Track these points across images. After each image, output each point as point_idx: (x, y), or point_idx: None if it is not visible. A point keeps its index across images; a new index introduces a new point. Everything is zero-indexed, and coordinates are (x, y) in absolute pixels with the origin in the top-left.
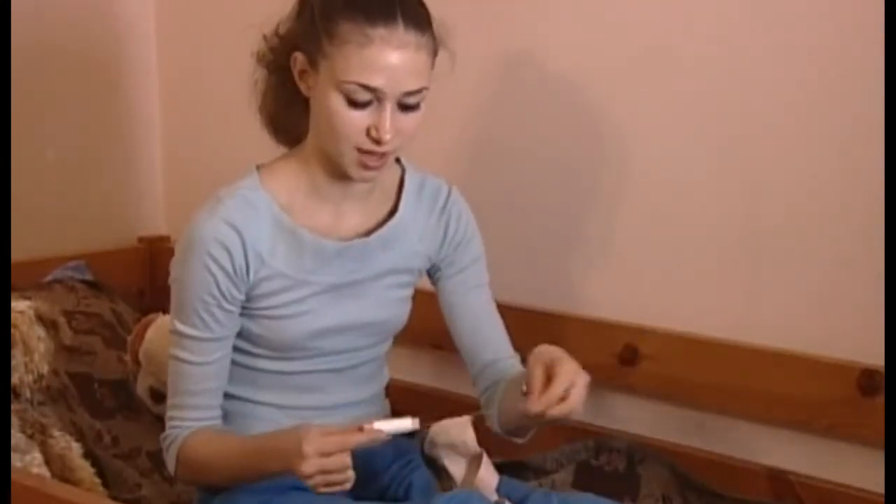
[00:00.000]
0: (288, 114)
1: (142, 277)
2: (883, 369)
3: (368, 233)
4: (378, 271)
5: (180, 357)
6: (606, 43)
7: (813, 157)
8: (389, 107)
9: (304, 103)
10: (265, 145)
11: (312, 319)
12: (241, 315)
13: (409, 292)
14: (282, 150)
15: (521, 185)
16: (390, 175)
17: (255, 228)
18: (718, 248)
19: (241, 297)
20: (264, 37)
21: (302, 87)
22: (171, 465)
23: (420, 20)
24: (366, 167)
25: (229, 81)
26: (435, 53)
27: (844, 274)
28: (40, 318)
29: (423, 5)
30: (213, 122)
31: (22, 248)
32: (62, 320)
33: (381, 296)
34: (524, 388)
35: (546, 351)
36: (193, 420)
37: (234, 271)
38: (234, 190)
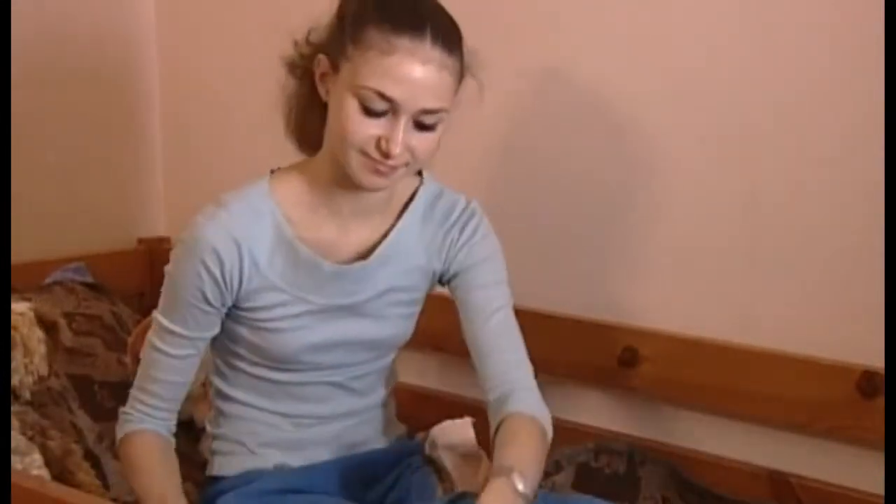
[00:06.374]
0: (310, 121)
1: (142, 279)
2: (883, 371)
3: (369, 252)
4: (377, 291)
5: (155, 344)
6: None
7: (813, 157)
8: (404, 121)
9: (325, 109)
10: (265, 147)
11: (309, 334)
12: (240, 324)
13: (413, 309)
14: (284, 151)
15: (521, 186)
16: (404, 189)
17: (255, 237)
18: (718, 250)
19: (228, 302)
20: (295, 43)
21: (321, 90)
22: (117, 440)
23: (449, 39)
24: (375, 172)
25: (229, 83)
26: (461, 78)
27: (844, 275)
28: (40, 320)
29: (454, 26)
30: (213, 124)
31: (22, 250)
32: (62, 322)
33: (381, 314)
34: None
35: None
36: (150, 407)
37: (224, 281)
38: (242, 195)
